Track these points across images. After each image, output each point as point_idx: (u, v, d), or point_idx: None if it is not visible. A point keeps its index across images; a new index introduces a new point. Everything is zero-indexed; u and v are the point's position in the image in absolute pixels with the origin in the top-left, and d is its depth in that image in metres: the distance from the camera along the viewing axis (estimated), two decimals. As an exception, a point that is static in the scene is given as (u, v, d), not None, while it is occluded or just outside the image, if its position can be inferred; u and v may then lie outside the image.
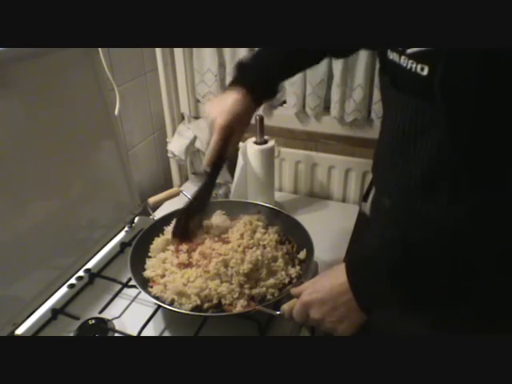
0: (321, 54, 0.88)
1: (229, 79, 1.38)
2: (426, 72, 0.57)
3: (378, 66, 0.75)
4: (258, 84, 0.81)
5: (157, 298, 0.85)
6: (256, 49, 0.85)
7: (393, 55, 0.65)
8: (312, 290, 0.65)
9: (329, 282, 0.64)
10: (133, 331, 0.85)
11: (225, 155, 0.83)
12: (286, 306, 0.70)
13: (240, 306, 0.81)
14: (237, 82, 0.82)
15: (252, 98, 0.80)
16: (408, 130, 0.64)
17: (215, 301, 0.82)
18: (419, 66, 0.58)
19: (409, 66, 0.60)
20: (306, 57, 0.87)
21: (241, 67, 0.83)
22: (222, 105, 0.79)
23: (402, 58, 0.62)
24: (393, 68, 0.65)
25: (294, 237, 1.00)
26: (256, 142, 1.22)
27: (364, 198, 0.95)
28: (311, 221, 1.04)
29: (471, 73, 0.52)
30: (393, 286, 0.59)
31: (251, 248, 0.90)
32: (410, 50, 0.60)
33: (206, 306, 0.82)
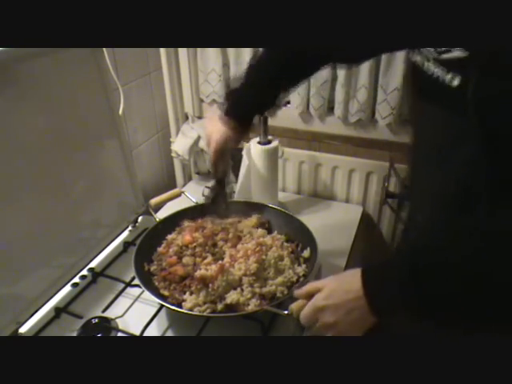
0: (324, 60, 0.89)
1: (233, 80, 1.38)
2: (456, 82, 0.53)
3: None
4: (245, 117, 0.90)
5: (160, 296, 0.85)
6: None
7: (416, 58, 0.61)
8: (327, 295, 0.64)
9: (344, 288, 0.64)
10: (136, 330, 0.85)
11: (223, 168, 0.98)
12: (294, 306, 0.70)
13: (253, 305, 0.82)
14: (227, 112, 0.89)
15: (240, 126, 0.90)
16: (440, 143, 0.61)
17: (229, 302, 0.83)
18: (449, 76, 0.54)
19: (436, 75, 0.56)
20: (305, 65, 0.88)
21: (229, 97, 0.90)
22: (217, 126, 0.90)
23: (427, 63, 0.58)
24: (417, 73, 0.61)
25: (298, 237, 1.00)
26: (260, 142, 1.22)
27: (384, 201, 0.97)
28: (315, 221, 1.04)
29: (507, 84, 0.49)
30: (404, 296, 0.59)
31: (257, 251, 0.91)
32: (439, 56, 0.56)
33: (219, 307, 0.82)
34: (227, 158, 0.96)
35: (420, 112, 0.66)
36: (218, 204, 1.04)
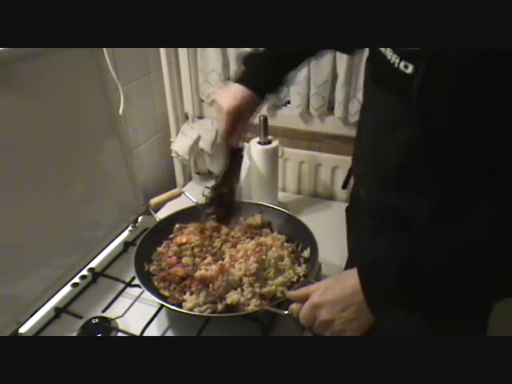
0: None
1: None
2: (410, 70, 0.57)
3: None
4: (260, 83, 0.82)
5: (160, 296, 0.85)
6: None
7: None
8: (323, 292, 0.65)
9: (340, 284, 0.64)
10: (136, 330, 0.85)
11: (236, 138, 0.85)
12: (294, 306, 0.69)
13: (253, 305, 0.82)
14: (241, 78, 0.83)
15: (256, 93, 0.82)
16: (384, 123, 0.66)
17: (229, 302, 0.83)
18: (403, 64, 0.58)
19: (392, 61, 0.60)
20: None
21: (244, 62, 0.84)
22: (229, 93, 0.81)
23: (388, 50, 0.62)
24: (378, 58, 0.65)
25: (298, 237, 1.00)
26: (260, 142, 1.22)
27: (344, 185, 1.00)
28: (315, 221, 1.04)
29: (451, 75, 0.54)
30: (402, 288, 0.60)
31: (256, 251, 0.91)
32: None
33: (220, 307, 0.82)
34: (241, 128, 0.84)
35: (372, 93, 0.70)
36: (220, 207, 0.92)
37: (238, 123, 0.82)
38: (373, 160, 0.71)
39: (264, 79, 0.83)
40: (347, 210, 0.93)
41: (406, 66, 0.58)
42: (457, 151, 0.59)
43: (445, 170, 0.62)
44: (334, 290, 0.64)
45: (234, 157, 0.88)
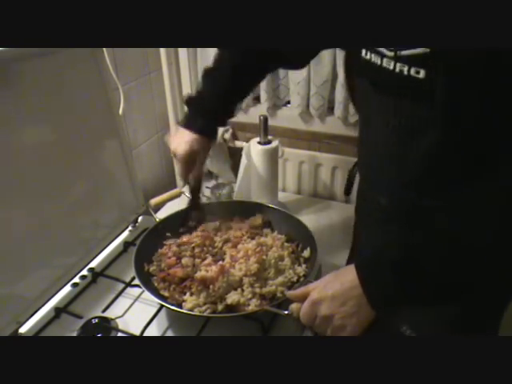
0: (271, 67, 0.96)
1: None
2: (422, 75, 0.56)
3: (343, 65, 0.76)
4: (206, 127, 0.91)
5: (160, 296, 0.85)
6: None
7: (371, 56, 0.63)
8: (322, 288, 0.65)
9: (339, 280, 0.65)
10: (136, 330, 0.85)
11: (195, 178, 0.97)
12: (294, 306, 0.70)
13: (253, 306, 0.82)
14: (187, 123, 0.91)
15: (205, 137, 0.91)
16: (404, 130, 0.64)
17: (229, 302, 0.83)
18: (413, 70, 0.57)
19: (398, 69, 0.59)
20: (254, 74, 0.94)
21: (189, 106, 0.91)
22: (181, 137, 0.91)
23: (386, 60, 0.60)
24: (371, 69, 0.63)
25: (298, 237, 1.00)
26: (260, 142, 1.22)
27: (347, 191, 1.02)
28: (314, 221, 1.05)
29: (473, 74, 0.53)
30: (398, 284, 0.61)
31: (257, 251, 0.91)
32: (399, 53, 0.59)
33: (220, 307, 0.82)
34: (197, 168, 0.95)
35: (375, 103, 0.69)
36: (191, 216, 1.05)
37: (192, 167, 0.93)
38: (385, 163, 0.70)
39: (210, 121, 0.91)
40: (356, 209, 0.93)
41: (417, 72, 0.57)
42: (474, 151, 0.59)
43: (462, 170, 0.61)
44: (333, 286, 0.64)
45: (194, 194, 1.02)
